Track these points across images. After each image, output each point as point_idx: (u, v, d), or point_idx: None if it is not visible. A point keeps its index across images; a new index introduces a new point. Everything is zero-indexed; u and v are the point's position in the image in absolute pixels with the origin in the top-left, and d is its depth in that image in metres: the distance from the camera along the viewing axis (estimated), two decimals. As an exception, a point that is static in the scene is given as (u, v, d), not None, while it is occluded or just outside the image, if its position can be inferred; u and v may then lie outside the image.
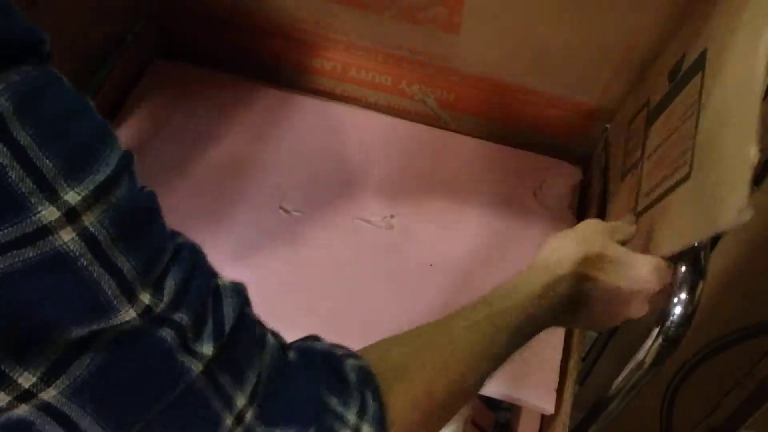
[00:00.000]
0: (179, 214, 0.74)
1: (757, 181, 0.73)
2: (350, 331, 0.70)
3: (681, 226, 0.52)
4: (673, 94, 0.61)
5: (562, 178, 0.83)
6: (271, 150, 0.81)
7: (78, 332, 0.30)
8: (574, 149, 0.85)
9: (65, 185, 0.28)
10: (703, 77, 0.54)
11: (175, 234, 0.36)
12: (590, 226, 0.55)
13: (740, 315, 0.84)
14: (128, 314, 0.31)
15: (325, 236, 0.75)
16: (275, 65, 0.86)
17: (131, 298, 0.31)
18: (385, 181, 0.80)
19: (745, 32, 0.47)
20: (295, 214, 0.77)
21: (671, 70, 0.62)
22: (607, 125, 0.80)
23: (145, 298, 0.32)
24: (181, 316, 0.33)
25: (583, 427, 0.63)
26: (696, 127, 0.53)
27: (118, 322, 0.31)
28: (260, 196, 0.77)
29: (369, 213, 0.77)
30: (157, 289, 0.32)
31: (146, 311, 0.32)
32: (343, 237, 0.76)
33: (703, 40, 0.56)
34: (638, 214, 0.61)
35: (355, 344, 0.69)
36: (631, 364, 0.54)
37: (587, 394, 0.93)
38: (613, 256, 0.52)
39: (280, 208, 0.77)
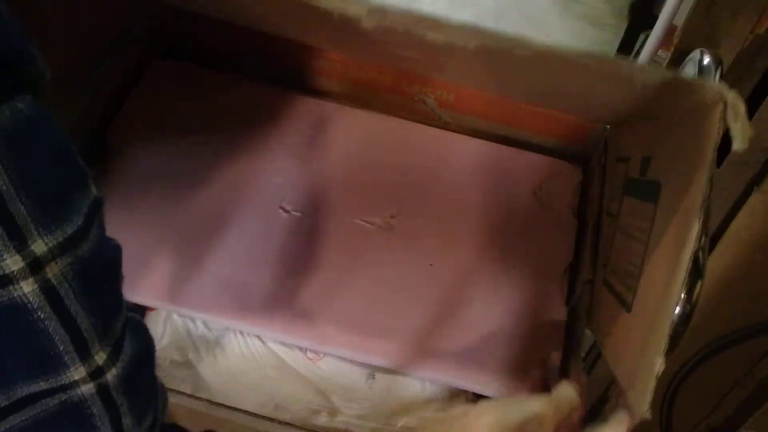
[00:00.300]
0: (177, 214, 0.74)
1: (757, 181, 0.73)
2: (349, 331, 0.70)
3: (620, 359, 0.52)
4: (637, 189, 0.58)
5: (562, 178, 0.83)
6: (271, 149, 0.81)
7: (23, 390, 0.29)
8: (574, 149, 0.85)
9: (35, 233, 0.27)
10: (654, 214, 0.52)
11: (134, 308, 0.36)
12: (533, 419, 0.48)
13: (740, 315, 0.84)
14: (78, 372, 0.30)
15: (325, 236, 0.75)
16: (275, 64, 0.86)
17: (84, 355, 0.30)
18: (385, 181, 0.80)
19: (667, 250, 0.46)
20: (295, 214, 0.77)
21: (642, 157, 0.59)
22: (607, 125, 0.80)
23: (101, 358, 0.31)
24: (123, 401, 0.32)
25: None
26: (643, 259, 0.52)
27: (67, 382, 0.30)
28: (260, 195, 0.77)
29: (369, 213, 0.77)
30: (115, 350, 0.31)
31: (97, 372, 0.31)
32: (343, 237, 0.76)
33: (665, 160, 0.53)
34: (604, 282, 0.62)
35: (354, 346, 0.69)
36: (631, 364, 0.54)
37: (587, 394, 0.93)
38: None
39: (280, 207, 0.77)
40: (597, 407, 0.61)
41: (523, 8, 2.04)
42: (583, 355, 0.99)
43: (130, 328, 0.33)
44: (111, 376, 0.31)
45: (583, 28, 2.00)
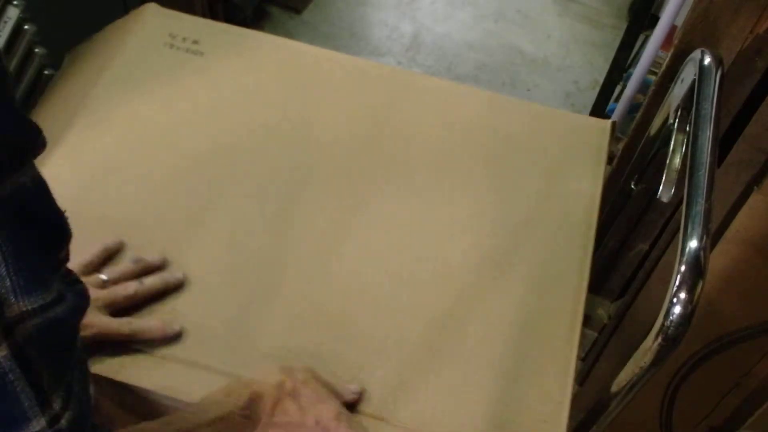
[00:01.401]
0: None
1: (757, 181, 0.73)
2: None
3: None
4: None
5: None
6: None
7: None
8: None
9: (13, 301, 0.28)
10: None
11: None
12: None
13: (740, 315, 0.84)
14: (39, 424, 0.31)
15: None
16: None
17: (44, 407, 0.31)
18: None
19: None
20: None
21: None
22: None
23: (57, 404, 0.31)
24: None
25: (583, 427, 0.63)
26: None
27: None
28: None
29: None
30: (67, 394, 0.32)
31: (54, 420, 0.31)
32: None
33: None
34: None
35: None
36: (631, 364, 0.54)
37: (587, 394, 0.93)
38: (306, 393, 0.56)
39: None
40: (596, 408, 0.61)
41: (522, 8, 2.04)
42: (582, 355, 0.99)
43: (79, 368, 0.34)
44: (65, 420, 0.32)
45: (582, 28, 2.01)
